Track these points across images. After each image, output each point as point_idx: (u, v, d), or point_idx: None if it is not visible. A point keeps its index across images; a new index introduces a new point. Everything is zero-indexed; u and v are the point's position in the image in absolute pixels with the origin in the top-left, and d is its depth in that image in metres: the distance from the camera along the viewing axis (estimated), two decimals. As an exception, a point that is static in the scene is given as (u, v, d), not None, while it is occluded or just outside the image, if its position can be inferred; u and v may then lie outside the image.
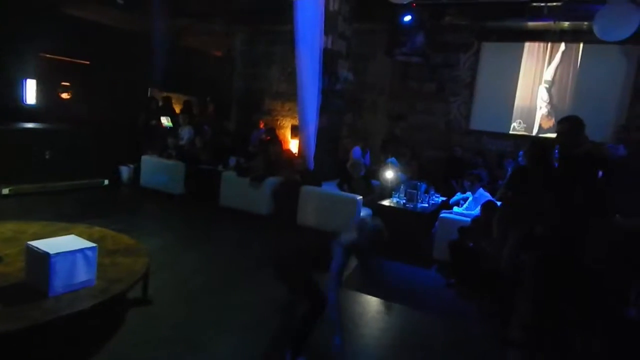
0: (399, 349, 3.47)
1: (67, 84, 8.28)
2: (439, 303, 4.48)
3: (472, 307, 4.40)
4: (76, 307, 2.60)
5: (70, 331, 2.99)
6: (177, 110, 10.07)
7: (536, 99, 8.24)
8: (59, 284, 2.72)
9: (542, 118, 8.19)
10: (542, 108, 8.20)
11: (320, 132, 7.43)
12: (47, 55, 7.79)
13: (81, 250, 2.84)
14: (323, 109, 7.36)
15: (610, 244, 3.11)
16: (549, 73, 8.16)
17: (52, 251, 2.71)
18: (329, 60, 7.06)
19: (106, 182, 8.22)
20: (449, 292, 4.82)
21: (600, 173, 3.47)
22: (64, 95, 8.26)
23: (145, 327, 3.32)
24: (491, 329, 3.89)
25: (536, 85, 8.23)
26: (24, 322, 2.37)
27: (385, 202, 6.17)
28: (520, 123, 8.29)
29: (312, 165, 7.34)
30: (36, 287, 2.78)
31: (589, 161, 3.23)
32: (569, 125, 3.37)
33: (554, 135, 3.97)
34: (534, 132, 8.23)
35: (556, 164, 3.66)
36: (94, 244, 2.96)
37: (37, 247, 2.79)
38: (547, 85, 8.16)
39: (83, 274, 2.85)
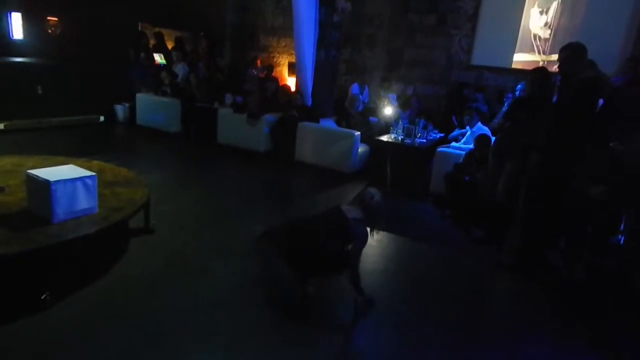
0: (393, 274, 3.61)
1: (54, 18, 7.94)
2: (434, 233, 4.61)
3: (466, 236, 4.54)
4: (80, 232, 2.66)
5: (75, 258, 3.10)
6: (170, 46, 9.75)
7: (541, 30, 7.97)
8: (61, 210, 2.77)
9: (546, 50, 7.97)
10: (546, 40, 7.96)
11: (318, 68, 7.25)
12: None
13: (81, 179, 2.87)
14: (320, 43, 7.13)
15: (606, 171, 3.15)
16: (554, 3, 7.83)
17: (52, 179, 2.74)
18: (326, -11, 6.75)
19: (102, 118, 8.15)
20: (444, 223, 4.95)
21: (601, 101, 3.44)
22: (52, 30, 7.94)
23: (147, 253, 3.43)
24: (484, 255, 4.05)
25: (541, 16, 7.92)
26: (30, 245, 2.44)
27: (384, 138, 6.16)
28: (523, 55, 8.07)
29: (309, 102, 7.24)
30: (39, 214, 2.83)
31: (589, 88, 3.18)
32: (570, 51, 3.30)
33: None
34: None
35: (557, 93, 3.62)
36: (93, 173, 2.99)
37: (37, 176, 2.81)
38: (552, 16, 7.86)
39: (84, 201, 2.89)
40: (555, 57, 7.67)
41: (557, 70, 3.50)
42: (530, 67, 4.46)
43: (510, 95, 6.87)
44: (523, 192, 3.53)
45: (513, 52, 8.19)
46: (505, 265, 3.73)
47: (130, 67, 8.71)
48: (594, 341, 2.89)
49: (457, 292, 3.43)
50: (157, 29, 9.70)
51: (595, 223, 3.72)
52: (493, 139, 4.92)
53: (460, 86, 7.96)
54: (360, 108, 6.95)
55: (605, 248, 3.95)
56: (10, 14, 7.09)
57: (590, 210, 3.51)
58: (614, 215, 3.82)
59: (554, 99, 3.54)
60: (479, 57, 8.47)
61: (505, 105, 6.59)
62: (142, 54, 8.80)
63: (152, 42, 9.44)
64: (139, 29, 9.44)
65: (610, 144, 3.23)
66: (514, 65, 8.18)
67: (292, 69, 9.24)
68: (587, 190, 3.22)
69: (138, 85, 8.54)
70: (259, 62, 10.15)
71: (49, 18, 7.87)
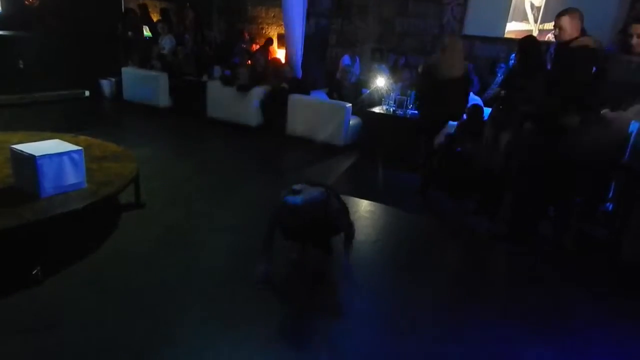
0: (384, 244, 3.63)
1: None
2: (426, 205, 4.62)
3: (458, 206, 4.56)
4: (68, 207, 2.62)
5: (66, 233, 3.06)
6: (155, 19, 9.46)
7: (534, -1, 7.84)
8: (48, 185, 2.72)
9: (539, 18, 7.86)
10: (539, 8, 7.84)
11: (308, 39, 7.10)
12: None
13: (67, 153, 2.81)
14: (310, 13, 6.96)
15: (597, 138, 3.14)
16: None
17: (38, 153, 2.67)
18: (315, -44, 6.54)
19: (87, 93, 7.97)
20: (435, 194, 4.96)
21: (594, 68, 3.40)
22: (30, 1, 7.64)
23: (139, 228, 3.40)
24: (477, 226, 4.08)
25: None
26: (18, 221, 2.40)
27: (375, 109, 6.10)
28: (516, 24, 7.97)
29: (299, 74, 7.12)
30: (26, 190, 2.77)
31: (586, 55, 3.14)
32: (567, 16, 3.24)
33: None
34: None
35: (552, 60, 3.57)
36: (79, 147, 2.92)
37: (22, 151, 2.74)
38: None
39: (72, 176, 2.84)
40: (549, 25, 7.60)
41: (551, 37, 3.45)
42: (525, 36, 4.42)
43: (503, 65, 6.81)
44: (516, 161, 3.53)
45: (506, 22, 8.08)
46: (498, 235, 3.76)
47: (119, 42, 8.46)
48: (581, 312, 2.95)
49: (450, 261, 3.47)
50: (141, 0, 9.38)
51: (584, 190, 3.74)
52: (486, 109, 4.90)
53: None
54: (353, 80, 6.85)
55: (594, 216, 4.00)
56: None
57: (578, 178, 3.53)
58: (603, 182, 3.84)
59: (548, 66, 3.50)
60: (471, 27, 8.34)
61: (499, 75, 6.54)
62: (130, 33, 8.52)
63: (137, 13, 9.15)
64: (122, 4, 9.10)
65: (602, 111, 3.22)
66: (507, 35, 8.08)
67: (282, 40, 9.05)
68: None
69: (125, 59, 8.33)
70: (246, 34, 9.92)
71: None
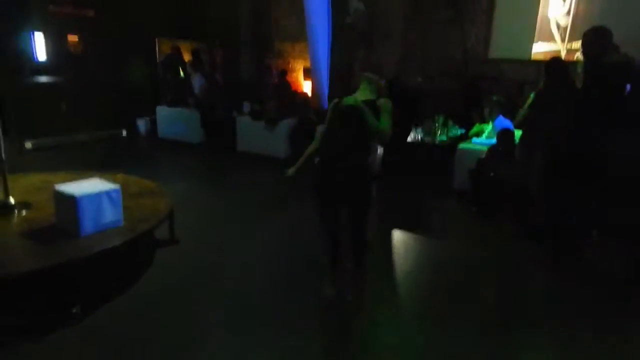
0: (417, 277, 3.54)
1: (75, 36, 8.16)
2: (460, 231, 4.51)
3: (494, 233, 4.43)
4: (107, 245, 2.69)
5: (104, 271, 3.14)
6: (187, 59, 9.89)
7: (560, 17, 7.77)
8: (88, 224, 2.80)
9: (566, 38, 7.75)
10: (566, 27, 7.74)
11: (333, 70, 7.24)
12: (54, 8, 7.64)
13: (106, 192, 2.89)
14: (334, 45, 7.12)
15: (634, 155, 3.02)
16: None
17: (78, 193, 2.78)
18: (337, -10, 6.74)
19: (124, 132, 8.33)
20: (470, 220, 4.84)
21: (629, 86, 3.30)
22: (73, 49, 8.16)
23: (174, 264, 3.44)
24: (516, 253, 3.93)
25: (560, 2, 7.72)
26: (60, 259, 2.47)
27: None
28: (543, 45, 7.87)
29: (326, 105, 7.23)
30: (67, 228, 2.87)
31: (617, 72, 3.06)
32: (593, 34, 3.19)
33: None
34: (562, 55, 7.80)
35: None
36: (117, 186, 3.02)
37: (64, 191, 2.85)
38: (572, 1, 7.65)
39: (110, 214, 2.92)
40: (577, 44, 7.48)
41: (580, 56, 3.39)
42: (551, 57, 4.37)
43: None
44: (548, 177, 3.42)
45: (532, 43, 8.00)
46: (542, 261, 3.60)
47: (162, 83, 8.86)
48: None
49: (490, 291, 3.34)
50: (174, 43, 9.85)
51: (631, 210, 3.57)
52: (517, 132, 4.80)
53: (474, 79, 7.83)
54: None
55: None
56: (33, 33, 7.31)
57: (624, 197, 3.37)
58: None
59: (580, 85, 3.42)
60: (496, 50, 8.30)
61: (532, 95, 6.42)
62: (169, 75, 8.92)
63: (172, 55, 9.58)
64: (156, 45, 9.57)
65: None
66: (534, 56, 7.98)
67: (308, 73, 9.25)
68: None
69: (160, 99, 8.70)
70: (273, 69, 10.21)
71: (69, 37, 8.10)
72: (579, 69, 3.47)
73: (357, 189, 2.74)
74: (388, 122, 2.66)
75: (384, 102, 2.74)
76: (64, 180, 3.81)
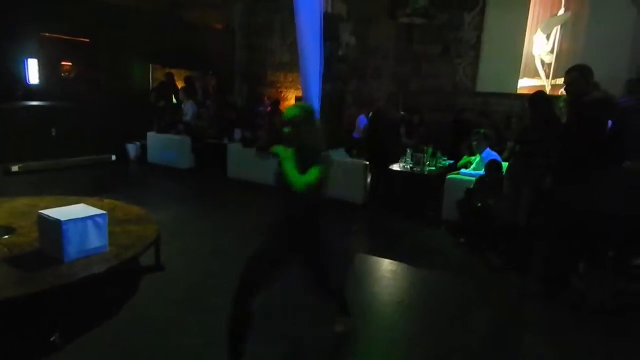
0: (407, 307, 3.51)
1: (69, 63, 8.24)
2: (449, 261, 4.51)
3: (482, 263, 4.43)
4: (90, 271, 2.65)
5: (87, 297, 3.07)
6: (179, 86, 10.01)
7: (544, 54, 8.05)
8: (72, 249, 2.77)
9: (550, 74, 8.01)
10: (550, 64, 8.01)
11: (324, 101, 7.34)
12: (48, 35, 7.72)
13: (92, 217, 2.88)
14: (326, 77, 7.25)
15: (622, 190, 3.08)
16: (555, 26, 7.93)
17: (63, 218, 2.75)
18: (329, 24, 6.91)
19: (114, 157, 8.30)
20: (460, 250, 4.84)
21: (610, 123, 3.41)
22: (66, 74, 8.22)
23: (159, 291, 3.39)
24: (504, 283, 3.92)
25: (546, 42, 8.02)
26: (41, 286, 2.43)
27: (394, 167, 6.14)
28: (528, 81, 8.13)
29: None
30: (51, 254, 2.83)
31: (599, 109, 3.16)
32: (576, 73, 3.31)
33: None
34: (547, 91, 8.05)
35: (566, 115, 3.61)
36: (103, 211, 3.00)
37: (48, 215, 2.83)
38: (554, 41, 7.95)
39: (95, 240, 2.89)
40: (560, 80, 7.72)
41: (564, 92, 3.50)
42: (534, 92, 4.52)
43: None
44: (540, 216, 3.47)
45: (518, 78, 8.26)
46: (531, 293, 3.60)
47: (153, 109, 8.91)
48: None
49: (481, 322, 3.32)
50: (167, 70, 9.99)
51: (615, 243, 3.61)
52: (504, 164, 4.89)
53: (460, 112, 8.03)
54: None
55: (629, 270, 3.81)
56: (27, 60, 7.36)
57: (609, 230, 3.41)
58: (635, 234, 3.70)
59: (564, 120, 3.52)
60: (483, 84, 8.55)
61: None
62: (162, 102, 9.00)
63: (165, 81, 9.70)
64: (150, 75, 9.69)
65: (624, 164, 3.18)
66: (520, 91, 8.23)
67: (299, 102, 9.38)
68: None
69: (151, 124, 8.73)
70: (265, 97, 10.35)
71: (63, 63, 8.16)
72: (561, 104, 3.58)
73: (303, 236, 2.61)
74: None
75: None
76: (49, 205, 3.78)
